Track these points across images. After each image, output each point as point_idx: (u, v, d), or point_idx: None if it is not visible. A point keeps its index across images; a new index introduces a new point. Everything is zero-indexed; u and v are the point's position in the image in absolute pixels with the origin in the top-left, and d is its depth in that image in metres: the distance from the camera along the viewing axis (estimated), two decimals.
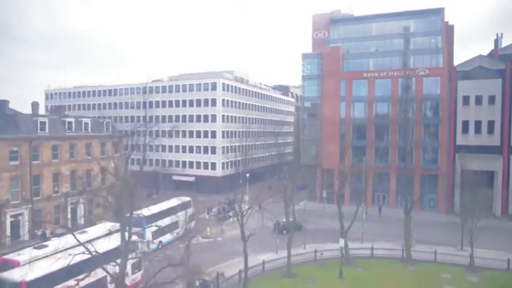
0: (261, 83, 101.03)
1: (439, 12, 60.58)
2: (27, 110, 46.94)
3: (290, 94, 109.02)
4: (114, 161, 51.24)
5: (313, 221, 47.40)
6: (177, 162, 73.65)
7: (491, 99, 52.48)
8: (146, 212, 37.22)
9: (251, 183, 73.77)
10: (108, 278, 23.13)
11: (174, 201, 45.17)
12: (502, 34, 59.39)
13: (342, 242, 32.12)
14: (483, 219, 35.20)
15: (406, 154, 55.44)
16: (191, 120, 71.98)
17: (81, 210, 46.10)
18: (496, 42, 57.97)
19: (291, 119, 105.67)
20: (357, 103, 60.27)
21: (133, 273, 29.03)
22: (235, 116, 75.62)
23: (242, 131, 78.02)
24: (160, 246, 39.55)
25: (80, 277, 22.49)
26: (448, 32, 62.90)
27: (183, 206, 42.63)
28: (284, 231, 42.30)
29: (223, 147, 71.02)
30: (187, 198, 45.91)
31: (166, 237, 40.49)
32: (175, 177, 73.03)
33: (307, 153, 64.49)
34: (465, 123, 53.79)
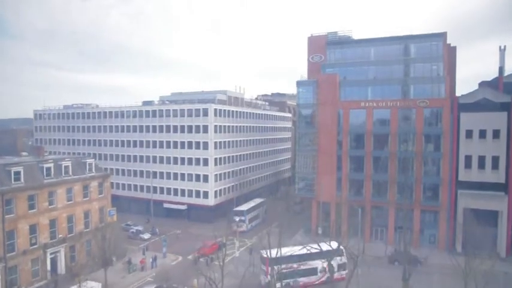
0: (257, 98, 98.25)
1: (441, 36, 57.16)
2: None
3: (287, 109, 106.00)
4: (98, 202, 49.11)
5: None
6: (169, 189, 70.83)
7: (496, 134, 49.64)
8: (245, 207, 64.95)
9: None
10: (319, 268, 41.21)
11: (256, 201, 69.92)
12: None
13: None
14: (487, 262, 32.89)
15: (406, 188, 52.97)
16: (183, 147, 68.89)
17: (61, 259, 43.53)
18: (501, 69, 54.66)
19: (288, 134, 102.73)
20: (355, 134, 57.46)
21: (338, 270, 40.80)
22: (229, 141, 72.60)
23: (236, 155, 75.20)
24: (251, 227, 64.03)
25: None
26: (451, 56, 59.83)
27: (262, 204, 69.94)
28: (396, 263, 43.28)
29: (215, 174, 68.23)
30: (263, 199, 71.62)
31: (254, 223, 65.63)
32: (166, 205, 70.44)
33: (303, 184, 61.75)
34: (468, 158, 51.01)
